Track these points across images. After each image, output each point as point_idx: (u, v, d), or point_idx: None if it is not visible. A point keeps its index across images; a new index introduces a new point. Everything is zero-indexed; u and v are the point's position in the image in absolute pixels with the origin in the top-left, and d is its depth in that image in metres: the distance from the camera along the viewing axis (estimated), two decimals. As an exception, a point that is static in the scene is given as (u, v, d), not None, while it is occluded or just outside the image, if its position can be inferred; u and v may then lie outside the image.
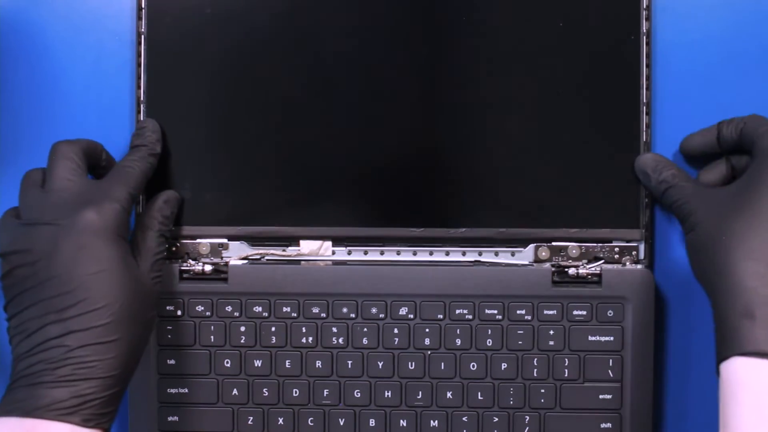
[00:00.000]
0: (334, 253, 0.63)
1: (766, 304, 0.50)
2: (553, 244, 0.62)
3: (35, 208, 0.54)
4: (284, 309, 0.62)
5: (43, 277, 0.52)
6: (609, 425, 0.61)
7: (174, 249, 0.62)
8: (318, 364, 0.62)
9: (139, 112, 0.61)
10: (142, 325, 0.54)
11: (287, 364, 0.62)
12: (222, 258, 0.62)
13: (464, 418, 0.62)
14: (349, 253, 0.63)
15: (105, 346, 0.52)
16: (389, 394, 0.62)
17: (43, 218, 0.53)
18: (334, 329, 0.62)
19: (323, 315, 0.62)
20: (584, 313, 0.61)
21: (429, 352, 0.62)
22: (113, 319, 0.52)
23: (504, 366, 0.61)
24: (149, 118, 0.61)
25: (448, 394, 0.62)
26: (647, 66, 0.61)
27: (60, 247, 0.52)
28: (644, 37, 0.60)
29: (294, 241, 0.62)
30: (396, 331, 0.62)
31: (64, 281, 0.52)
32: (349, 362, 0.62)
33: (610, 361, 0.61)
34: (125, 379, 0.53)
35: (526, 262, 0.62)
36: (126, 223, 0.55)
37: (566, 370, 0.61)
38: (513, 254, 0.62)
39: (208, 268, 0.62)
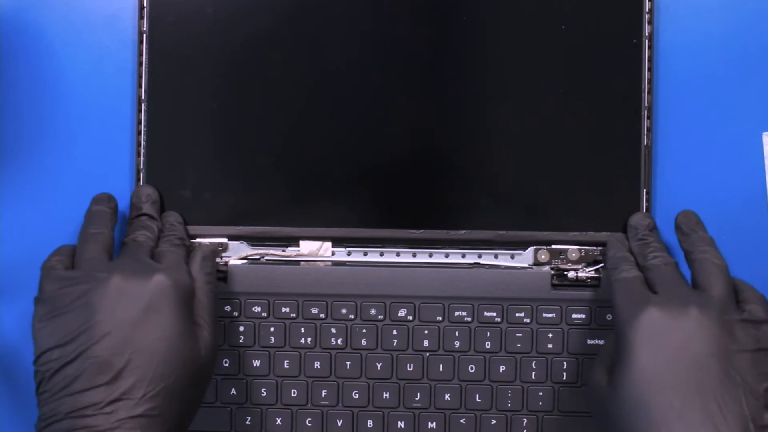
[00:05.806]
0: (333, 253, 0.63)
1: None
2: (553, 247, 0.62)
3: (94, 265, 0.52)
4: (283, 309, 0.62)
5: (98, 333, 0.50)
6: (607, 428, 0.61)
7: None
8: (316, 364, 0.62)
9: (140, 111, 0.61)
10: (194, 399, 0.53)
11: (286, 364, 0.62)
12: (222, 258, 0.62)
13: (462, 420, 0.62)
14: (349, 254, 0.63)
15: (153, 419, 0.50)
16: (387, 395, 0.62)
17: (101, 274, 0.52)
18: (333, 330, 0.62)
19: (322, 316, 0.62)
20: (583, 316, 0.61)
21: (427, 354, 0.62)
22: (166, 393, 0.50)
23: (502, 368, 0.61)
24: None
25: (447, 396, 0.62)
26: (649, 69, 0.60)
27: (124, 305, 0.50)
28: (646, 41, 0.60)
29: (294, 241, 0.62)
30: (395, 332, 0.62)
31: (122, 341, 0.50)
32: (348, 363, 0.62)
33: (609, 364, 0.61)
34: None
35: (526, 265, 0.62)
36: (191, 293, 0.54)
37: (564, 373, 0.61)
38: (512, 257, 0.62)
39: (207, 267, 0.62)
